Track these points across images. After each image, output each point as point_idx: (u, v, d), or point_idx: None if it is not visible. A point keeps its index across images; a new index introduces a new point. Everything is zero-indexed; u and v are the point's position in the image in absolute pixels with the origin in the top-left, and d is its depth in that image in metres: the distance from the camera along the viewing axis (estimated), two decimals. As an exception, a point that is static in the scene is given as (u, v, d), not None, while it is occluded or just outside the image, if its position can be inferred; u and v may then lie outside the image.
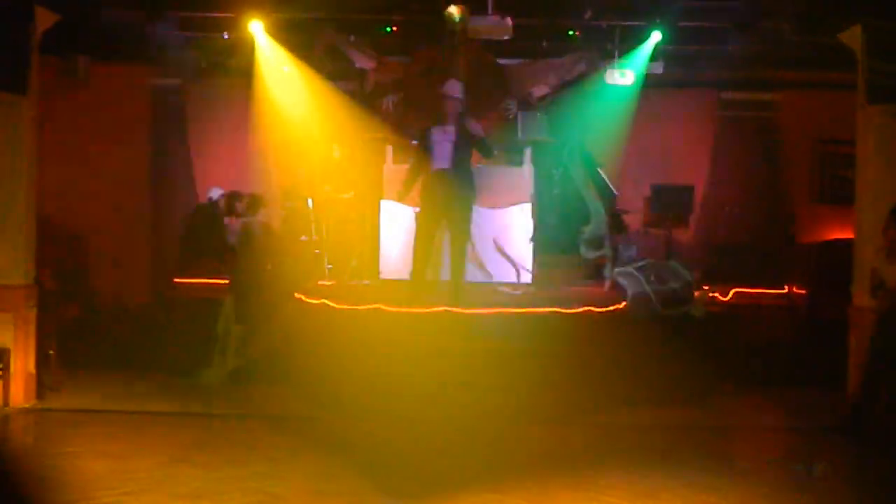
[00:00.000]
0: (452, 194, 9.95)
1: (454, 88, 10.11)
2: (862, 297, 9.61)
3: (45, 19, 10.04)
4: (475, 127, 10.17)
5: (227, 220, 11.79)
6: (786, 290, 12.55)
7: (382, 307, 9.71)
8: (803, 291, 12.45)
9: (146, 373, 11.38)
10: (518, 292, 11.42)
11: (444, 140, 9.90)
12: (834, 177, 13.68)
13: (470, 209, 10.20)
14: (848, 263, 10.02)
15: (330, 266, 12.33)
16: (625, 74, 12.95)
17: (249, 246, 11.29)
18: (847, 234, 10.77)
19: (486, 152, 10.30)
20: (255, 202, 11.58)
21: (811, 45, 11.82)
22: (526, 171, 12.47)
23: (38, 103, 10.06)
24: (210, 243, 12.35)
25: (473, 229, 10.68)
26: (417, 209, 10.51)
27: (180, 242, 12.86)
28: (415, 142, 10.64)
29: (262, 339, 11.03)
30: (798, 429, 9.63)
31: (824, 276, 12.25)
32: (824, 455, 8.26)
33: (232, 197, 11.71)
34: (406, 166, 10.96)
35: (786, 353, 11.64)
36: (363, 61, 13.16)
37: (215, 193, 12.73)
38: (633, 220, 12.62)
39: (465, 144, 10.01)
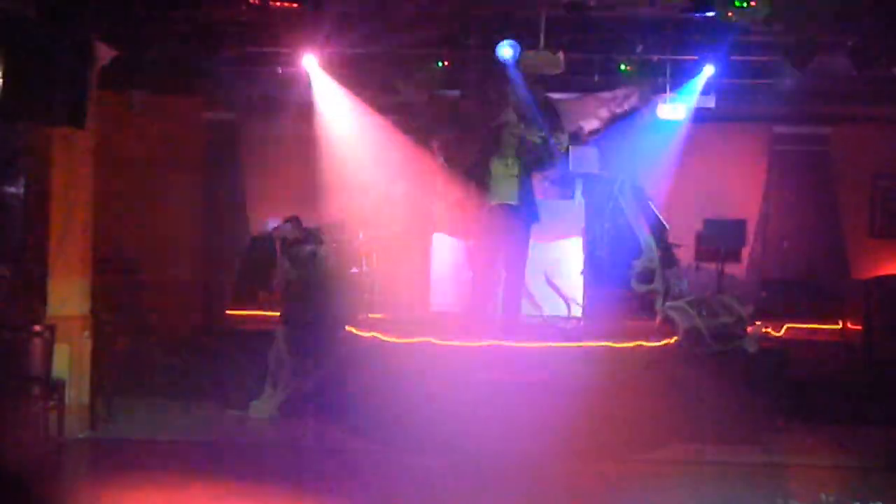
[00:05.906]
0: (514, 229, 9.98)
1: (512, 117, 10.18)
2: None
3: (104, 55, 10.22)
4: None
5: (285, 252, 11.84)
6: (840, 326, 12.40)
7: (433, 340, 9.73)
8: (858, 327, 12.29)
9: (199, 403, 11.48)
10: (569, 326, 11.39)
11: (506, 174, 9.91)
12: (889, 211, 13.57)
13: (527, 243, 10.21)
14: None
15: (381, 298, 12.36)
16: (676, 108, 12.89)
17: (304, 278, 11.36)
18: (903, 269, 10.65)
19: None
20: (313, 236, 11.64)
21: (866, 79, 11.70)
22: (577, 205, 12.45)
23: (96, 137, 10.22)
24: (266, 275, 12.44)
25: (524, 262, 10.73)
26: (471, 242, 10.47)
27: (237, 274, 12.92)
28: (469, 175, 10.59)
29: (314, 372, 11.07)
30: (854, 467, 9.49)
31: (880, 312, 12.07)
32: (880, 495, 8.13)
33: (292, 231, 11.78)
34: (457, 199, 10.99)
35: (840, 390, 11.48)
36: (415, 96, 13.23)
37: (274, 226, 12.83)
38: (685, 254, 12.53)
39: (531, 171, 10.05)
